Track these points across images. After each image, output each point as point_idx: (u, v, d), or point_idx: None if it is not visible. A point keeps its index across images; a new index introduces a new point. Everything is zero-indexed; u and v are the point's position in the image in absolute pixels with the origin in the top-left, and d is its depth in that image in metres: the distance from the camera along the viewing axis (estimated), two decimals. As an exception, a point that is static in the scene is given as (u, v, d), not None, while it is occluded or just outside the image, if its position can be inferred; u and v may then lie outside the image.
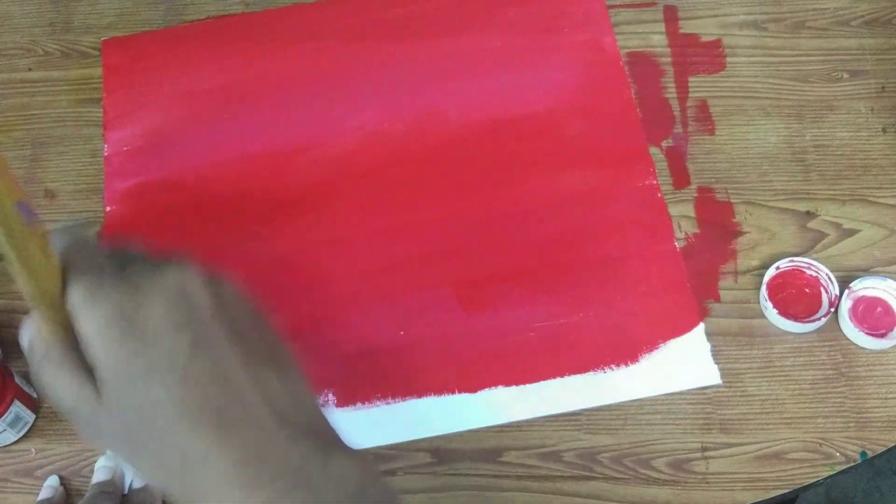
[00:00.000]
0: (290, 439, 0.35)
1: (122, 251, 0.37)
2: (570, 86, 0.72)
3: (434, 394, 0.61)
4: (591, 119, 0.70)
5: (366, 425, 0.60)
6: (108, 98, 0.73)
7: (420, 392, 0.61)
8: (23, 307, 0.66)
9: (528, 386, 0.61)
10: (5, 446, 0.61)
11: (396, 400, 0.61)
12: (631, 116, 0.70)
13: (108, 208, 0.69)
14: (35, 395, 0.62)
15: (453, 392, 0.61)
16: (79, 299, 0.34)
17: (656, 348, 0.62)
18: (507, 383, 0.61)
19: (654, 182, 0.67)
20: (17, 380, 0.60)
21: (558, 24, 0.74)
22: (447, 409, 0.60)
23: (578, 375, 0.61)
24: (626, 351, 0.62)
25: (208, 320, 0.35)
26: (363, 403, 0.61)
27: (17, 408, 0.59)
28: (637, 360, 0.62)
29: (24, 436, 0.61)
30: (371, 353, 0.62)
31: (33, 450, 0.61)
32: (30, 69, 0.75)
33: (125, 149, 0.71)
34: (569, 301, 0.63)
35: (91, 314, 0.34)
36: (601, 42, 0.73)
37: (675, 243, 0.65)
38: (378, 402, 0.61)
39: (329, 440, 0.37)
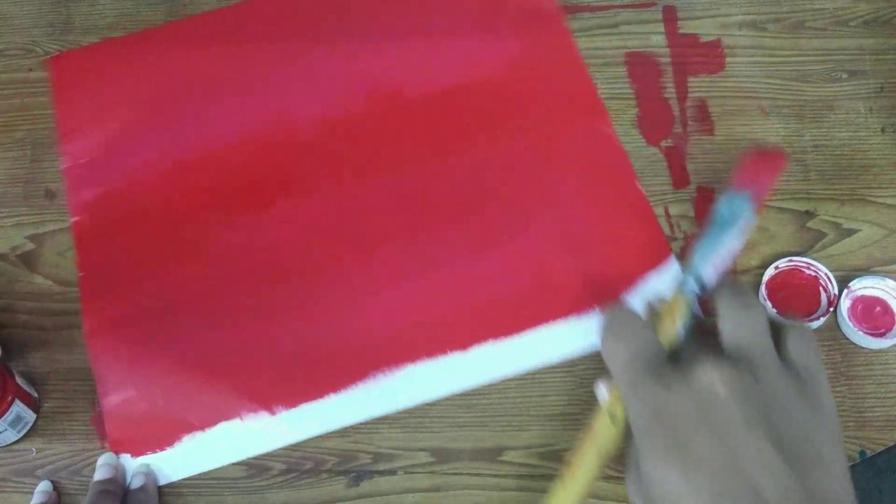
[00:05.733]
0: None
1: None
2: (516, 47, 0.73)
3: (427, 357, 0.62)
4: (541, 78, 0.71)
5: (374, 397, 0.61)
6: (61, 111, 0.72)
7: (414, 359, 0.62)
8: (23, 307, 0.66)
9: (516, 338, 0.62)
10: (6, 446, 0.61)
11: (392, 370, 0.61)
12: (579, 72, 0.71)
13: (74, 219, 0.68)
14: (35, 395, 0.62)
15: (445, 353, 0.62)
16: (623, 390, 0.46)
17: (634, 284, 0.62)
18: (496, 336, 0.62)
19: (611, 131, 0.69)
20: (18, 379, 0.60)
21: None
22: (442, 372, 0.61)
23: (562, 321, 0.62)
24: (606, 290, 0.63)
25: (725, 413, 0.42)
26: (363, 380, 0.61)
27: (18, 407, 0.59)
28: (618, 300, 0.63)
29: (25, 435, 0.61)
30: (359, 329, 0.63)
31: (34, 449, 0.61)
32: (30, 70, 0.75)
33: (82, 161, 0.70)
34: (542, 251, 0.64)
35: (631, 403, 0.45)
36: (539, 2, 0.75)
37: (638, 184, 0.67)
38: (377, 375, 0.61)
39: None
